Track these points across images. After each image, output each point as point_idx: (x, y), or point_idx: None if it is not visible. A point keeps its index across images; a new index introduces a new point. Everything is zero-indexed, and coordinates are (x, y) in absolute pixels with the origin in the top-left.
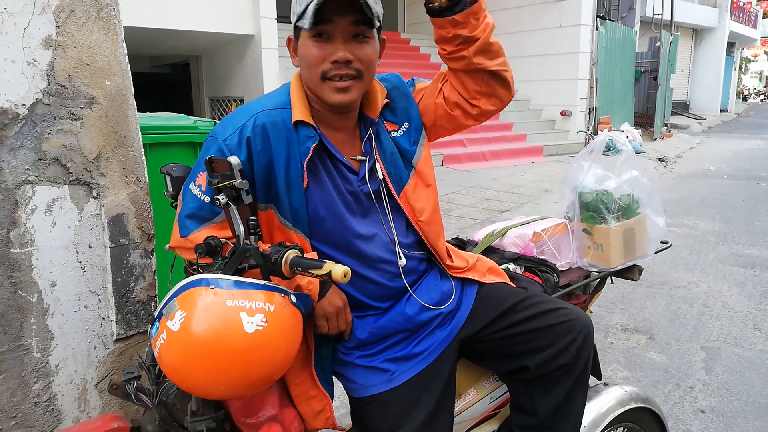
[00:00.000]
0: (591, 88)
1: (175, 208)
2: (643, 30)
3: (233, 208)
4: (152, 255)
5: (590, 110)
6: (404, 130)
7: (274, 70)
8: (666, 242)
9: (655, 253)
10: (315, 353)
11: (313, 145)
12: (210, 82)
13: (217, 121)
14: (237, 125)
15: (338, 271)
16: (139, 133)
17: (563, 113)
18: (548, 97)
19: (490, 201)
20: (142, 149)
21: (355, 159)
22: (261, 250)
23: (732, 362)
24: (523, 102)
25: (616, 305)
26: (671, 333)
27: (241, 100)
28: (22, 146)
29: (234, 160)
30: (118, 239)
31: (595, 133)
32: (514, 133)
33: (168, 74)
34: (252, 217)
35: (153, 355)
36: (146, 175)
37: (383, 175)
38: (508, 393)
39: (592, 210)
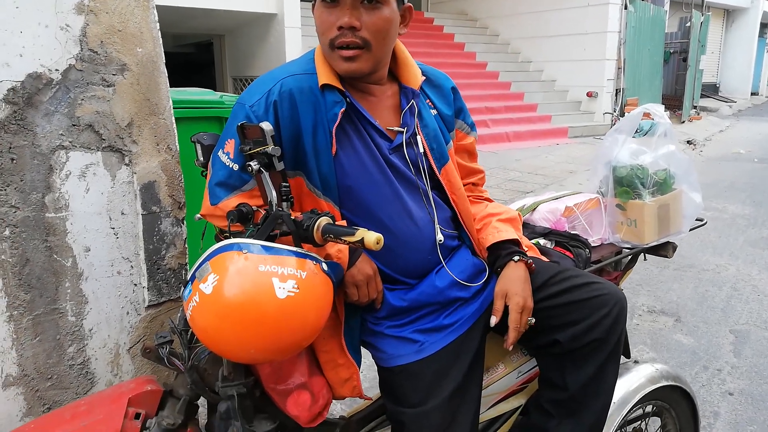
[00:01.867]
0: (618, 68)
1: (206, 176)
2: (673, 10)
3: (265, 175)
4: (183, 223)
5: (617, 91)
6: (444, 114)
7: (296, 49)
8: (701, 219)
9: (690, 230)
10: (345, 322)
11: (341, 110)
12: (233, 61)
13: None
14: (263, 91)
15: (371, 237)
16: (170, 101)
17: (589, 94)
18: (574, 77)
19: (513, 182)
20: (173, 117)
21: (391, 129)
22: (293, 217)
23: (761, 345)
24: (548, 83)
25: (642, 287)
26: (699, 315)
27: None
28: (56, 111)
29: (266, 126)
30: (149, 207)
31: (622, 114)
32: (539, 114)
33: (191, 53)
34: (284, 184)
35: (185, 320)
36: (177, 144)
37: (424, 148)
38: (535, 368)
39: (627, 185)
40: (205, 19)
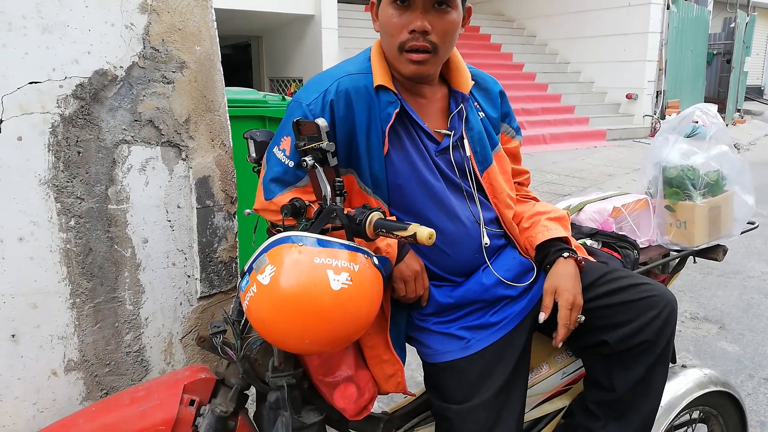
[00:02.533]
0: (659, 70)
1: (257, 172)
2: (717, 10)
3: (320, 170)
4: (234, 218)
5: (658, 93)
6: (491, 117)
7: (333, 50)
8: (753, 222)
9: (742, 233)
10: (390, 319)
11: (395, 111)
12: (270, 62)
13: (285, 98)
14: (320, 90)
15: (424, 232)
16: (225, 98)
17: (629, 96)
18: (613, 79)
19: (550, 185)
20: (227, 114)
21: (439, 132)
22: (345, 211)
23: None
24: (586, 84)
25: (685, 293)
26: (744, 323)
27: (300, 81)
28: (120, 107)
29: (321, 122)
30: (204, 201)
31: (663, 117)
32: (576, 116)
33: (229, 55)
34: (338, 179)
35: (238, 310)
36: (230, 140)
37: (469, 152)
38: (580, 369)
39: (677, 186)
40: (244, 21)
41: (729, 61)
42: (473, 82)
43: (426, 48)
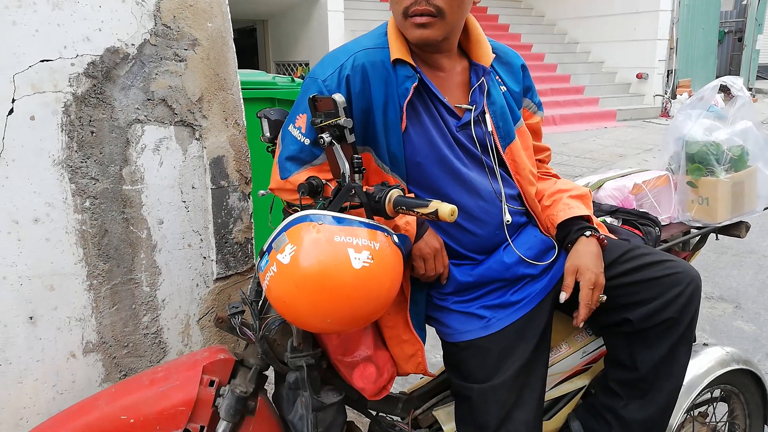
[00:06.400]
0: (670, 49)
1: (272, 152)
2: None
3: (337, 147)
4: (249, 198)
5: (668, 73)
6: (513, 92)
7: (339, 33)
8: None
9: (765, 209)
10: (410, 298)
11: (413, 84)
12: (276, 46)
13: (294, 80)
14: (336, 65)
15: (445, 209)
16: (238, 76)
17: (639, 76)
18: (623, 58)
19: (561, 166)
20: (241, 93)
21: (459, 106)
22: (364, 189)
23: None
24: (596, 64)
25: (700, 272)
26: (760, 302)
27: (307, 64)
28: (132, 86)
29: (338, 97)
30: (218, 181)
31: (674, 96)
32: (586, 96)
33: (234, 39)
34: (356, 156)
35: (256, 290)
36: (244, 119)
37: (491, 127)
38: (600, 348)
39: (699, 161)
40: (250, 5)
41: (741, 39)
42: (494, 56)
43: (429, 12)
